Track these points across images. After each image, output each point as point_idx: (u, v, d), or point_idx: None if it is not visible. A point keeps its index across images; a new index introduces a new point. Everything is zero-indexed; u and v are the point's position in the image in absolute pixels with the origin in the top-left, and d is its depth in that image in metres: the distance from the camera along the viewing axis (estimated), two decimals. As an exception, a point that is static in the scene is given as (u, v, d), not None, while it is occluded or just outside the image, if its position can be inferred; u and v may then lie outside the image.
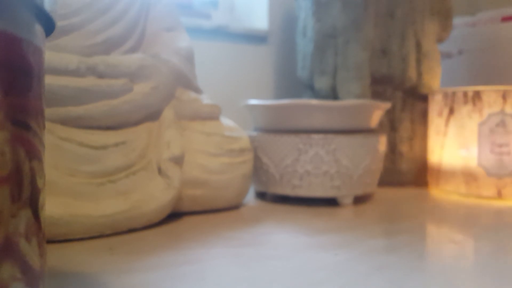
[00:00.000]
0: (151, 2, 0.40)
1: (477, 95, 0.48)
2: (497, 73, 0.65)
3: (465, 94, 0.49)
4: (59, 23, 0.32)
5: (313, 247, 0.29)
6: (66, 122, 0.31)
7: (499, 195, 0.47)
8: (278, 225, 0.35)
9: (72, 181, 0.30)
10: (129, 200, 0.32)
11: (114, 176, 0.32)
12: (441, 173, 0.51)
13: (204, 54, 0.64)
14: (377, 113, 0.45)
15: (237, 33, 0.68)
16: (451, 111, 0.50)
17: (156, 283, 0.23)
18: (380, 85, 0.56)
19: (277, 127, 0.44)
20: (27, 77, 0.14)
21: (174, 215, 0.38)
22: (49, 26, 0.16)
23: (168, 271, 0.24)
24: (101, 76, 0.33)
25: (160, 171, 0.35)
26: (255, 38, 0.70)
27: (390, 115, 0.56)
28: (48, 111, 0.31)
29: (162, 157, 0.35)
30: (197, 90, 0.41)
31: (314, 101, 0.42)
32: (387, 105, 0.45)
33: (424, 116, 0.57)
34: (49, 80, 0.30)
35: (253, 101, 0.46)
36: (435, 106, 0.53)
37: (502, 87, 0.47)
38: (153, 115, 0.36)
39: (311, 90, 0.59)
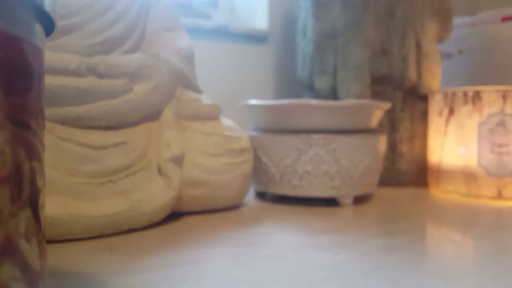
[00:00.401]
0: (151, 2, 0.40)
1: (477, 95, 0.48)
2: (497, 73, 0.65)
3: (465, 94, 0.49)
4: (59, 23, 0.32)
5: (313, 247, 0.29)
6: (66, 122, 0.31)
7: (499, 195, 0.47)
8: (278, 225, 0.35)
9: (72, 181, 0.30)
10: (129, 200, 0.32)
11: (114, 176, 0.32)
12: (441, 173, 0.51)
13: (204, 54, 0.64)
14: (377, 113, 0.45)
15: (237, 33, 0.68)
16: (451, 111, 0.50)
17: (156, 283, 0.23)
18: (380, 85, 0.56)
19: (277, 127, 0.44)
20: (27, 77, 0.14)
21: (174, 215, 0.38)
22: (49, 26, 0.16)
23: (168, 271, 0.24)
24: (101, 76, 0.33)
25: (160, 171, 0.35)
26: (255, 38, 0.70)
27: (390, 115, 0.56)
28: (48, 111, 0.31)
29: (162, 157, 0.35)
30: (197, 90, 0.41)
31: (314, 101, 0.42)
32: (387, 105, 0.45)
33: (424, 116, 0.57)
34: (49, 80, 0.30)
35: (253, 101, 0.46)
36: (435, 106, 0.53)
37: (502, 87, 0.47)
38: (153, 115, 0.36)
39: (311, 90, 0.59)
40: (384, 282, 0.23)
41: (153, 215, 0.33)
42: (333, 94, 0.56)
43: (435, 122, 0.53)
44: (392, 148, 0.56)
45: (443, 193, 0.51)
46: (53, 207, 0.29)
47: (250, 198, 0.47)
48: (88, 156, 0.31)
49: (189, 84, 0.40)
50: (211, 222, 0.36)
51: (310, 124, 0.43)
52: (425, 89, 0.56)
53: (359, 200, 0.46)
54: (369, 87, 0.54)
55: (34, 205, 0.15)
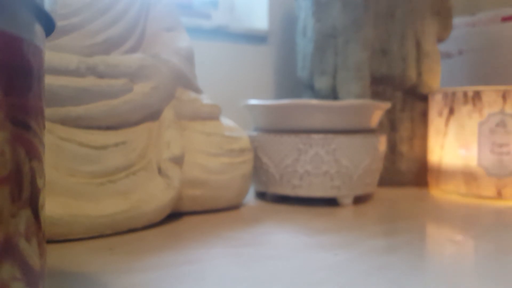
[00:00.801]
0: (151, 2, 0.40)
1: (477, 95, 0.48)
2: (497, 73, 0.65)
3: (465, 94, 0.49)
4: (59, 23, 0.32)
5: (313, 247, 0.29)
6: (66, 122, 0.31)
7: (499, 195, 0.47)
8: (278, 225, 0.35)
9: (72, 181, 0.30)
10: (129, 200, 0.32)
11: (114, 176, 0.32)
12: (441, 173, 0.51)
13: (204, 54, 0.64)
14: (377, 113, 0.45)
15: (237, 33, 0.68)
16: (451, 111, 0.50)
17: (156, 283, 0.23)
18: (380, 85, 0.56)
19: (277, 127, 0.44)
20: (27, 77, 0.14)
21: (174, 215, 0.38)
22: (49, 26, 0.16)
23: (168, 271, 0.24)
24: (101, 76, 0.33)
25: (160, 171, 0.35)
26: (255, 38, 0.70)
27: (390, 115, 0.56)
28: (48, 111, 0.31)
29: (162, 157, 0.35)
30: (197, 90, 0.41)
31: (314, 101, 0.42)
32: (387, 105, 0.45)
33: (424, 116, 0.57)
34: (49, 80, 0.30)
35: (253, 101, 0.46)
36: (435, 106, 0.53)
37: (502, 87, 0.47)
38: (153, 115, 0.36)
39: (311, 90, 0.59)
40: (384, 282, 0.23)
41: (153, 215, 0.33)
42: (333, 94, 0.56)
43: (435, 122, 0.53)
44: (392, 148, 0.56)
45: (443, 193, 0.51)
46: (53, 207, 0.29)
47: (250, 198, 0.47)
48: (88, 156, 0.31)
49: (189, 84, 0.40)
50: (211, 222, 0.36)
51: (310, 124, 0.43)
52: (425, 89, 0.56)
53: (359, 200, 0.46)
54: (369, 87, 0.54)
55: (34, 205, 0.15)
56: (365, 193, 0.45)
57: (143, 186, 0.33)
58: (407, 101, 0.56)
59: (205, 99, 0.41)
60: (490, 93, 0.47)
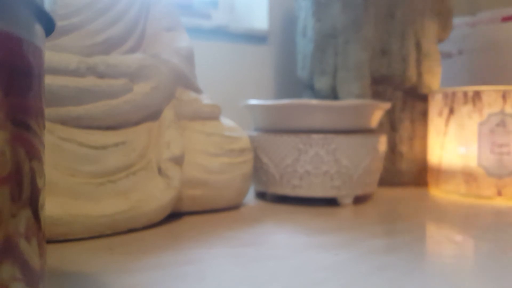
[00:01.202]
0: (151, 2, 0.40)
1: (477, 95, 0.48)
2: (497, 73, 0.65)
3: (465, 94, 0.49)
4: (59, 23, 0.32)
5: (313, 247, 0.29)
6: (66, 122, 0.31)
7: (499, 195, 0.47)
8: (278, 225, 0.35)
9: (72, 181, 0.30)
10: (129, 200, 0.32)
11: (114, 176, 0.32)
12: (441, 173, 0.51)
13: (204, 54, 0.64)
14: (377, 113, 0.45)
15: (237, 33, 0.68)
16: (451, 111, 0.50)
17: (156, 283, 0.23)
18: (380, 85, 0.56)
19: (277, 127, 0.44)
20: (27, 77, 0.14)
21: (174, 215, 0.38)
22: (49, 26, 0.16)
23: (168, 271, 0.24)
24: (101, 76, 0.33)
25: (160, 171, 0.35)
26: (255, 38, 0.70)
27: (390, 115, 0.56)
28: (48, 111, 0.31)
29: (162, 157, 0.35)
30: (197, 90, 0.41)
31: (314, 101, 0.42)
32: (387, 105, 0.45)
33: (424, 116, 0.57)
34: (49, 80, 0.30)
35: (253, 101, 0.46)
36: (435, 106, 0.53)
37: (502, 87, 0.47)
38: (153, 115, 0.36)
39: (311, 90, 0.59)
40: (384, 282, 0.23)
41: (153, 215, 0.33)
42: (333, 94, 0.56)
43: (435, 122, 0.53)
44: (392, 148, 0.56)
45: (443, 193, 0.51)
46: (53, 207, 0.29)
47: (250, 198, 0.47)
48: (88, 156, 0.31)
49: (189, 84, 0.40)
50: (211, 222, 0.36)
51: (310, 124, 0.43)
52: (425, 89, 0.56)
53: (359, 200, 0.46)
54: (369, 87, 0.54)
55: (34, 205, 0.15)
56: (365, 193, 0.45)
57: (143, 186, 0.33)
58: (407, 101, 0.56)
59: (205, 99, 0.41)
60: (490, 93, 0.47)
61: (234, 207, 0.42)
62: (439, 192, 0.52)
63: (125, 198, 0.32)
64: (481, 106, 0.48)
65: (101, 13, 0.34)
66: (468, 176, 0.48)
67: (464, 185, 0.49)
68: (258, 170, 0.45)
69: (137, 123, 0.35)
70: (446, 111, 0.51)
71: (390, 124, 0.56)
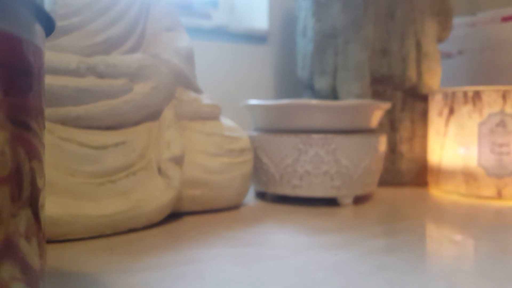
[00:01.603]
0: (151, 2, 0.40)
1: (477, 95, 0.48)
2: (497, 73, 0.65)
3: (465, 94, 0.49)
4: (59, 23, 0.32)
5: (313, 247, 0.29)
6: (66, 122, 0.31)
7: (499, 195, 0.47)
8: (278, 225, 0.35)
9: (72, 181, 0.30)
10: (129, 200, 0.32)
11: (114, 176, 0.32)
12: (441, 173, 0.51)
13: (204, 54, 0.64)
14: (377, 113, 0.45)
15: (237, 33, 0.68)
16: (451, 111, 0.50)
17: (156, 283, 0.23)
18: (380, 85, 0.56)
19: (277, 127, 0.44)
20: (27, 77, 0.14)
21: (174, 215, 0.38)
22: (49, 26, 0.16)
23: (168, 271, 0.24)
24: (101, 76, 0.33)
25: (160, 171, 0.35)
26: (255, 38, 0.70)
27: (390, 115, 0.56)
28: (48, 111, 0.31)
29: (162, 157, 0.35)
30: (197, 90, 0.41)
31: (314, 101, 0.42)
32: (387, 105, 0.45)
33: (424, 116, 0.57)
34: (49, 80, 0.30)
35: (253, 101, 0.46)
36: (435, 106, 0.53)
37: (502, 87, 0.47)
38: (153, 115, 0.36)
39: (311, 90, 0.59)
40: (384, 283, 0.23)
41: (153, 215, 0.33)
42: (333, 94, 0.56)
43: (435, 122, 0.53)
44: (392, 148, 0.56)
45: (443, 193, 0.51)
46: (53, 207, 0.29)
47: (250, 198, 0.47)
48: (88, 156, 0.31)
49: (189, 84, 0.40)
50: (211, 222, 0.36)
51: (310, 124, 0.43)
52: (425, 89, 0.56)
53: (359, 200, 0.46)
54: (369, 87, 0.54)
55: (34, 205, 0.15)
56: (365, 193, 0.45)
57: (143, 186, 0.33)
58: (407, 101, 0.56)
59: (205, 99, 0.41)
60: (490, 93, 0.47)
61: (234, 207, 0.42)
62: (439, 192, 0.52)
63: (125, 198, 0.32)
64: (481, 106, 0.48)
65: (101, 13, 0.34)
66: (468, 176, 0.48)
67: (464, 185, 0.49)
68: (258, 170, 0.45)
69: (137, 123, 0.35)
70: (446, 111, 0.51)
71: (390, 124, 0.56)
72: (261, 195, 0.48)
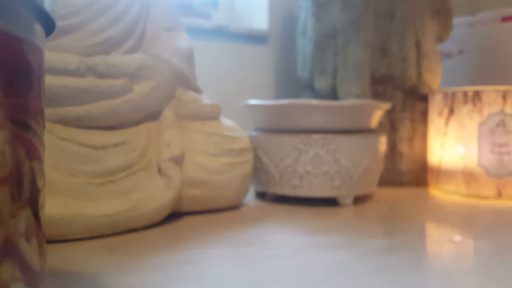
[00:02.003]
0: (151, 2, 0.40)
1: (477, 95, 0.48)
2: (497, 73, 0.65)
3: (465, 94, 0.49)
4: (59, 23, 0.32)
5: (313, 247, 0.29)
6: (66, 122, 0.31)
7: (499, 195, 0.47)
8: (278, 225, 0.35)
9: (72, 181, 0.30)
10: (129, 200, 0.32)
11: (114, 176, 0.32)
12: (441, 173, 0.51)
13: (204, 54, 0.64)
14: (377, 113, 0.45)
15: (237, 33, 0.68)
16: (451, 111, 0.50)
17: (156, 283, 0.23)
18: (380, 85, 0.56)
19: (277, 127, 0.44)
20: (27, 77, 0.14)
21: (174, 215, 0.38)
22: (49, 26, 0.16)
23: (168, 271, 0.24)
24: (101, 76, 0.33)
25: (160, 171, 0.35)
26: (255, 38, 0.70)
27: (390, 115, 0.56)
28: (48, 111, 0.31)
29: (162, 157, 0.35)
30: (197, 90, 0.41)
31: (314, 101, 0.42)
32: (387, 105, 0.45)
33: (424, 116, 0.57)
34: (49, 80, 0.30)
35: (253, 101, 0.46)
36: (435, 106, 0.53)
37: (502, 87, 0.47)
38: (153, 115, 0.36)
39: (311, 90, 0.59)
40: (384, 282, 0.23)
41: (153, 215, 0.33)
42: (333, 94, 0.56)
43: (435, 122, 0.53)
44: (392, 148, 0.56)
45: (443, 193, 0.51)
46: (53, 207, 0.29)
47: (250, 198, 0.47)
48: (88, 156, 0.31)
49: (189, 84, 0.40)
50: (211, 222, 0.36)
51: (310, 124, 0.43)
52: (425, 89, 0.56)
53: (359, 200, 0.46)
54: (369, 87, 0.54)
55: (34, 205, 0.15)
56: (365, 193, 0.45)
57: (143, 186, 0.33)
58: (407, 101, 0.56)
59: (205, 99, 0.41)
60: (490, 93, 0.47)
61: (234, 207, 0.42)
62: (439, 192, 0.52)
63: (125, 198, 0.32)
64: (481, 106, 0.48)
65: (101, 13, 0.34)
66: (468, 176, 0.48)
67: (464, 185, 0.49)
68: (258, 170, 0.45)
69: (137, 123, 0.35)
70: (446, 111, 0.51)
71: (390, 124, 0.56)
72: (261, 195, 0.48)
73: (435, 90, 0.54)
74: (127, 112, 0.34)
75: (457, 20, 0.69)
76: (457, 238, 0.32)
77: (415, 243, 0.30)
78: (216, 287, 0.22)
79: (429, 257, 0.27)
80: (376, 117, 0.45)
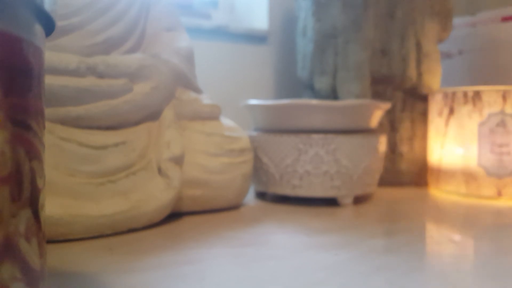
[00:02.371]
0: (151, 2, 0.40)
1: (477, 95, 0.48)
2: (497, 73, 0.65)
3: (465, 94, 0.49)
4: (59, 23, 0.32)
5: (313, 247, 0.29)
6: (66, 122, 0.31)
7: (499, 195, 0.47)
8: (278, 225, 0.35)
9: (72, 181, 0.30)
10: (129, 200, 0.32)
11: (114, 176, 0.32)
12: (441, 173, 0.51)
13: (204, 54, 0.64)
14: (377, 113, 0.45)
15: (237, 33, 0.68)
16: (451, 111, 0.50)
17: (156, 283, 0.23)
18: (380, 85, 0.56)
19: (277, 127, 0.44)
20: (27, 77, 0.14)
21: (174, 215, 0.38)
22: (49, 26, 0.16)
23: (168, 271, 0.24)
24: (101, 76, 0.33)
25: (160, 171, 0.35)
26: (255, 38, 0.70)
27: (390, 115, 0.56)
28: (48, 111, 0.31)
29: (162, 157, 0.35)
30: (197, 90, 0.41)
31: (314, 101, 0.42)
32: (387, 105, 0.45)
33: (424, 116, 0.57)
34: (49, 80, 0.30)
35: (253, 101, 0.46)
36: (435, 106, 0.53)
37: (502, 87, 0.47)
38: (153, 115, 0.36)
39: (311, 90, 0.59)
40: (384, 282, 0.23)
41: (153, 215, 0.33)
42: (333, 94, 0.56)
43: (435, 122, 0.53)
44: (392, 148, 0.56)
45: (443, 193, 0.51)
46: (53, 207, 0.29)
47: (250, 198, 0.47)
48: (88, 156, 0.31)
49: (189, 84, 0.40)
50: (211, 222, 0.36)
51: (310, 124, 0.43)
52: (425, 89, 0.56)
53: (359, 200, 0.46)
54: (369, 87, 0.54)
55: (34, 205, 0.15)
56: (365, 193, 0.45)
57: (143, 186, 0.33)
58: (407, 101, 0.56)
59: (205, 99, 0.41)
60: (490, 93, 0.47)
61: (234, 207, 0.42)
62: (439, 192, 0.52)
63: (125, 198, 0.32)
64: (481, 106, 0.48)
65: (101, 13, 0.34)
66: (468, 176, 0.48)
67: (464, 185, 0.49)
68: (258, 170, 0.45)
69: (137, 123, 0.35)
70: (446, 111, 0.51)
71: (390, 124, 0.56)
72: (261, 195, 0.48)
73: (435, 90, 0.54)
74: (127, 112, 0.34)
75: (457, 20, 0.69)
76: (457, 238, 0.32)
77: (415, 243, 0.30)
78: (216, 287, 0.22)
79: (429, 257, 0.27)
80: (376, 117, 0.45)
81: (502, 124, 0.46)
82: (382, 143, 0.45)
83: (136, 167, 0.33)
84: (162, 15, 0.40)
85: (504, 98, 0.46)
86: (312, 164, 0.42)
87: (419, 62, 0.56)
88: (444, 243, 0.31)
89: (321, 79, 0.56)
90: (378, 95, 0.56)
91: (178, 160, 0.35)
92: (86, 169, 0.31)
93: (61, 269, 0.25)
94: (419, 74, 0.56)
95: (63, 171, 0.30)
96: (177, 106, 0.38)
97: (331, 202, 0.44)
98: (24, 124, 0.14)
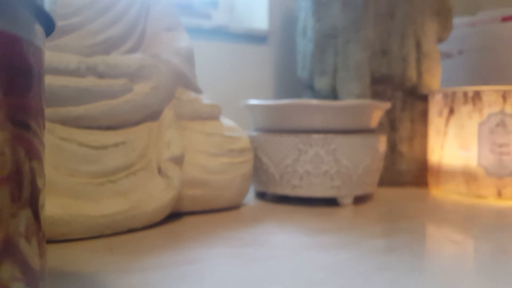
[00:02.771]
0: (151, 2, 0.40)
1: (477, 95, 0.48)
2: (497, 73, 0.65)
3: (465, 94, 0.49)
4: (59, 23, 0.32)
5: (313, 247, 0.29)
6: (66, 122, 0.31)
7: (499, 195, 0.47)
8: (278, 225, 0.35)
9: (72, 181, 0.30)
10: (129, 200, 0.32)
11: (114, 176, 0.32)
12: (441, 173, 0.51)
13: (204, 54, 0.64)
14: (377, 113, 0.45)
15: (237, 33, 0.68)
16: (451, 111, 0.50)
17: (156, 283, 0.23)
18: (380, 85, 0.56)
19: (277, 127, 0.44)
20: (27, 77, 0.14)
21: (174, 215, 0.38)
22: (49, 26, 0.16)
23: (168, 271, 0.24)
24: (101, 76, 0.33)
25: (160, 171, 0.35)
26: (255, 38, 0.70)
27: (390, 115, 0.56)
28: (48, 111, 0.31)
29: (162, 157, 0.35)
30: (197, 90, 0.41)
31: (314, 101, 0.42)
32: (387, 105, 0.45)
33: (424, 116, 0.57)
34: (49, 80, 0.30)
35: (253, 101, 0.46)
36: (435, 106, 0.53)
37: (502, 87, 0.47)
38: (153, 115, 0.36)
39: (311, 90, 0.59)
40: (384, 283, 0.23)
41: (153, 215, 0.33)
42: (333, 94, 0.56)
43: (435, 122, 0.53)
44: (392, 148, 0.56)
45: (443, 193, 0.51)
46: (53, 207, 0.29)
47: (250, 198, 0.47)
48: (88, 156, 0.31)
49: (189, 84, 0.40)
50: (211, 222, 0.36)
51: (310, 124, 0.43)
52: (425, 89, 0.56)
53: (359, 200, 0.46)
54: (369, 87, 0.54)
55: (34, 205, 0.15)
56: (365, 193, 0.45)
57: (143, 186, 0.33)
58: (407, 101, 0.56)
59: (205, 99, 0.41)
60: (490, 93, 0.47)
61: (234, 207, 0.42)
62: (439, 192, 0.52)
63: (125, 198, 0.32)
64: (481, 106, 0.48)
65: (101, 13, 0.34)
66: (468, 176, 0.48)
67: (464, 185, 0.49)
68: (258, 170, 0.45)
69: (137, 123, 0.35)
70: (446, 111, 0.51)
71: (390, 124, 0.56)
72: (261, 195, 0.48)
73: (435, 90, 0.54)
74: (127, 112, 0.34)
75: (457, 20, 0.69)
76: (457, 238, 0.32)
77: (415, 243, 0.30)
78: (216, 287, 0.22)
79: (429, 257, 0.27)
80: (376, 117, 0.45)
81: (502, 124, 0.46)
82: (382, 143, 0.45)
83: (136, 167, 0.33)
84: (162, 15, 0.40)
85: (504, 98, 0.46)
86: (312, 164, 0.42)
87: (419, 62, 0.56)
88: (444, 243, 0.31)
89: (321, 79, 0.56)
90: (378, 95, 0.56)
91: (178, 160, 0.35)
92: (86, 169, 0.31)
93: (61, 269, 0.25)
94: (419, 74, 0.56)
95: (63, 171, 0.30)
96: (177, 106, 0.38)
97: (331, 202, 0.44)
98: (24, 124, 0.14)
